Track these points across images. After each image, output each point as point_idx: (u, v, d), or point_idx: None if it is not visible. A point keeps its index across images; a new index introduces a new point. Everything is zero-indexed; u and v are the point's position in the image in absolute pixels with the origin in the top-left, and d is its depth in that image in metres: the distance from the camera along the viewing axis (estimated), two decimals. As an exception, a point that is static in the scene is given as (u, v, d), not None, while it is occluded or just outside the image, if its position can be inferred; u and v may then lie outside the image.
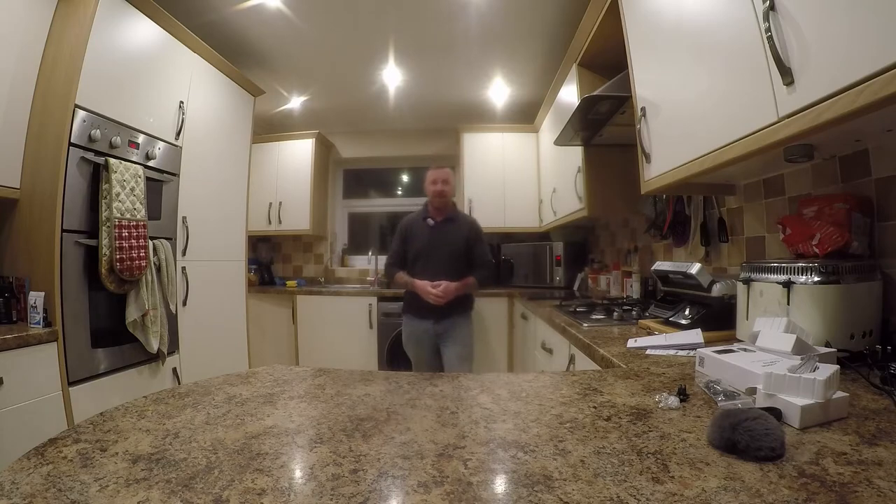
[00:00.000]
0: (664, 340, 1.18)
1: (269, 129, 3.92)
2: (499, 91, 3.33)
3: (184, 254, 2.19)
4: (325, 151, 3.98)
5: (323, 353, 3.33)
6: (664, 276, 1.54)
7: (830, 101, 0.69)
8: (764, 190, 1.39)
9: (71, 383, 1.57)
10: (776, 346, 0.81)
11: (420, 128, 3.98)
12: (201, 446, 0.58)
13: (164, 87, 2.05)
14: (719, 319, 1.27)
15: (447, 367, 2.25)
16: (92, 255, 1.68)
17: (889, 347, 0.84)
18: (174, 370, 2.09)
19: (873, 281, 0.96)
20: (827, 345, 0.89)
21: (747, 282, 1.09)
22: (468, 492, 0.46)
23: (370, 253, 3.97)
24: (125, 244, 1.74)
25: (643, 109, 1.43)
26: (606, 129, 2.02)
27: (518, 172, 3.51)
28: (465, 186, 3.52)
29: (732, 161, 0.98)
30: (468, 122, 3.65)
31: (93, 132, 1.66)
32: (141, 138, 1.90)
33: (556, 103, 2.77)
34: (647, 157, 1.43)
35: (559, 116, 2.61)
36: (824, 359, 0.76)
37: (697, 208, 1.82)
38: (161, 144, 2.01)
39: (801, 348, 0.78)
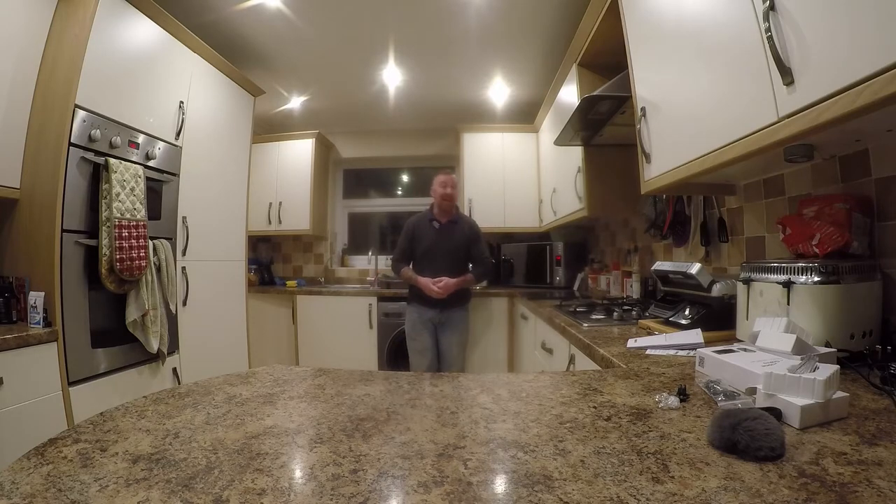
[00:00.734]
0: (664, 340, 1.18)
1: (269, 129, 3.92)
2: (499, 91, 3.33)
3: (184, 254, 2.19)
4: (325, 151, 3.98)
5: (323, 353, 3.33)
6: (664, 276, 1.54)
7: (830, 101, 0.69)
8: (764, 190, 1.39)
9: (71, 383, 1.57)
10: (776, 346, 0.81)
11: (420, 128, 3.98)
12: (201, 446, 0.58)
13: (164, 87, 2.05)
14: (719, 319, 1.27)
15: (444, 351, 2.59)
16: (92, 255, 1.68)
17: (889, 347, 0.84)
18: (174, 370, 2.09)
19: (873, 281, 0.96)
20: (827, 345, 0.89)
21: (747, 282, 1.09)
22: (468, 492, 0.46)
23: (370, 253, 3.97)
24: (125, 244, 1.74)
25: (643, 109, 1.43)
26: (606, 129, 2.02)
27: (518, 172, 3.51)
28: (465, 186, 3.52)
29: (732, 161, 0.98)
30: (468, 122, 3.65)
31: (93, 132, 1.66)
32: (141, 138, 1.90)
33: (556, 103, 2.77)
34: (647, 157, 1.43)
35: (559, 116, 2.61)
36: (824, 359, 0.76)
37: (697, 208, 1.82)
38: (161, 144, 2.01)
39: (801, 348, 0.78)
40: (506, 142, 3.56)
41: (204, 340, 2.32)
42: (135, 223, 1.79)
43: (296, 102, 3.52)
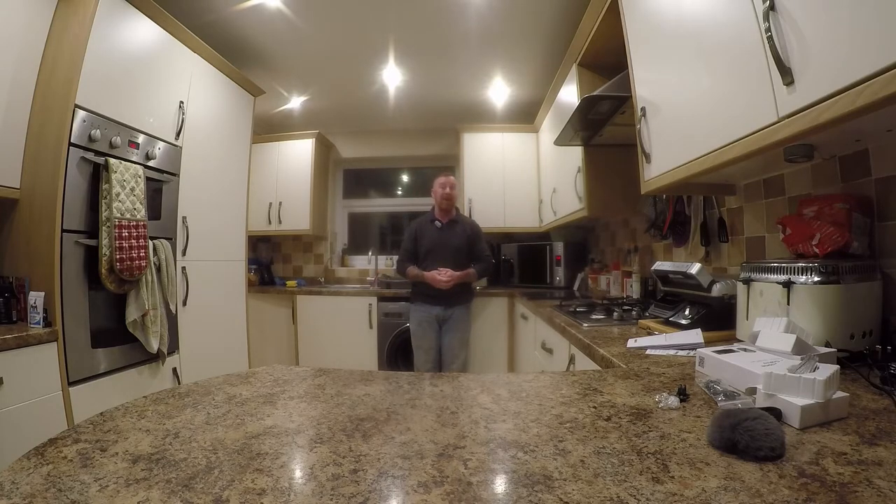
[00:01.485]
0: (664, 340, 1.18)
1: (269, 129, 3.92)
2: (499, 91, 3.33)
3: (184, 254, 2.19)
4: (325, 151, 3.98)
5: (323, 353, 3.33)
6: (664, 276, 1.54)
7: (830, 101, 0.69)
8: (764, 190, 1.39)
9: (71, 383, 1.57)
10: (776, 346, 0.81)
11: (420, 128, 3.97)
12: (201, 446, 0.58)
13: (164, 87, 2.05)
14: (719, 319, 1.27)
15: (447, 348, 2.68)
16: (92, 255, 1.68)
17: (889, 347, 0.84)
18: (174, 370, 2.09)
19: (873, 281, 0.96)
20: (827, 345, 0.89)
21: (747, 282, 1.09)
22: (468, 492, 0.46)
23: (370, 253, 3.97)
24: (125, 244, 1.74)
25: (643, 109, 1.43)
26: (606, 129, 2.02)
27: (518, 172, 3.51)
28: (465, 186, 3.51)
29: (732, 161, 0.98)
30: (468, 122, 3.65)
31: (93, 132, 1.66)
32: (141, 138, 1.90)
33: (556, 103, 2.77)
34: (647, 157, 1.43)
35: (559, 116, 2.61)
36: (824, 359, 0.76)
37: (697, 208, 1.82)
38: (161, 144, 2.01)
39: (801, 348, 0.78)
40: (506, 142, 3.56)
41: (204, 340, 2.32)
42: (135, 223, 1.79)
43: (296, 102, 3.52)
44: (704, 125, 1.09)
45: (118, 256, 1.71)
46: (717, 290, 1.29)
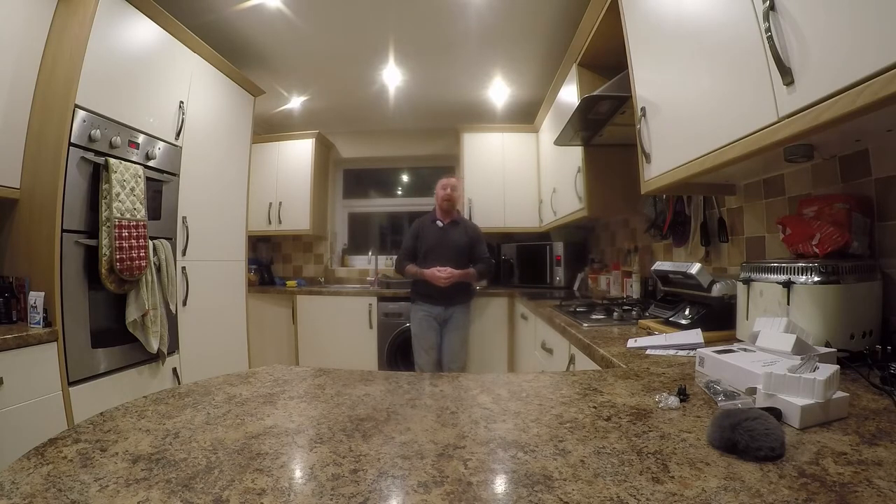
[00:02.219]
0: (664, 340, 1.18)
1: (269, 129, 3.92)
2: (499, 91, 3.33)
3: (184, 254, 2.19)
4: (325, 151, 3.98)
5: (323, 353, 3.33)
6: (664, 276, 1.54)
7: (830, 101, 0.69)
8: (764, 190, 1.39)
9: (71, 383, 1.57)
10: (776, 346, 0.81)
11: (420, 128, 3.97)
12: (201, 446, 0.58)
13: (164, 87, 2.05)
14: (719, 319, 1.27)
15: (447, 348, 2.70)
16: (92, 255, 1.68)
17: (889, 347, 0.84)
18: (174, 370, 2.09)
19: (873, 281, 0.96)
20: (827, 345, 0.89)
21: (747, 282, 1.09)
22: (468, 492, 0.46)
23: (370, 253, 3.97)
24: (125, 244, 1.74)
25: (643, 109, 1.43)
26: (606, 129, 2.02)
27: (518, 172, 3.51)
28: (465, 186, 3.51)
29: (732, 161, 0.98)
30: (468, 122, 3.64)
31: (93, 132, 1.66)
32: (141, 138, 1.90)
33: (556, 103, 2.77)
34: (647, 157, 1.43)
35: (559, 116, 2.61)
36: (824, 359, 0.76)
37: (697, 208, 1.82)
38: (161, 144, 2.01)
39: (801, 348, 0.78)
40: (506, 142, 3.56)
41: (204, 340, 2.32)
42: (135, 223, 1.79)
43: (296, 102, 3.52)
44: (704, 125, 1.09)
45: (118, 256, 1.71)
46: (717, 290, 1.29)
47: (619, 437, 0.60)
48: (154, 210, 1.98)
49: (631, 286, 2.31)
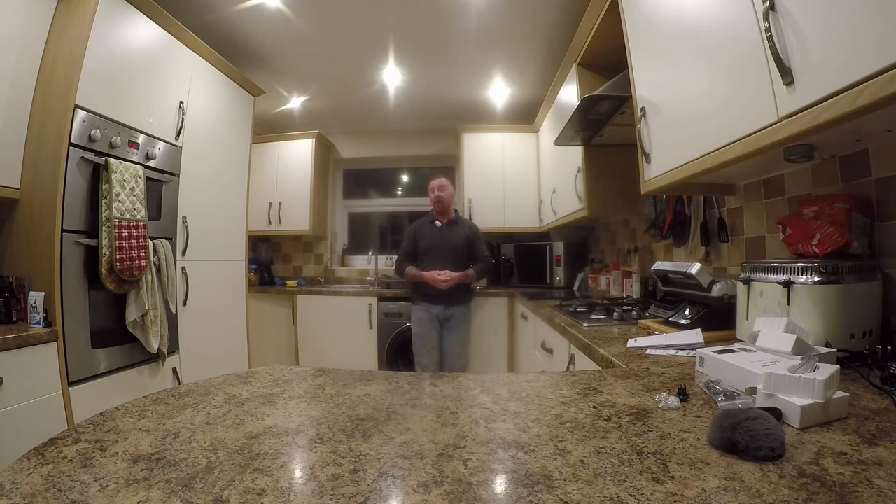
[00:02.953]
0: (664, 340, 1.18)
1: (269, 129, 3.92)
2: (499, 91, 3.33)
3: (184, 254, 2.19)
4: (325, 151, 3.98)
5: (323, 353, 3.33)
6: (664, 276, 1.54)
7: (830, 101, 0.69)
8: (764, 190, 1.39)
9: (71, 383, 1.57)
10: (776, 346, 0.81)
11: (420, 128, 3.97)
12: (201, 446, 0.58)
13: (164, 87, 2.05)
14: (719, 319, 1.27)
15: (448, 348, 2.69)
16: (92, 255, 1.68)
17: (889, 347, 0.84)
18: (174, 370, 2.09)
19: (873, 281, 0.96)
20: (827, 345, 0.89)
21: (747, 282, 1.09)
22: (468, 492, 0.46)
23: (370, 253, 3.97)
24: (125, 244, 1.74)
25: (643, 109, 1.43)
26: (606, 129, 2.02)
27: (518, 172, 3.51)
28: (465, 186, 3.52)
29: (732, 161, 0.98)
30: (468, 122, 3.64)
31: (93, 132, 1.66)
32: (141, 138, 1.90)
33: (556, 103, 2.77)
34: (647, 157, 1.43)
35: (559, 116, 2.61)
36: (824, 359, 0.76)
37: (697, 208, 1.82)
38: (161, 144, 2.01)
39: (801, 348, 0.78)
40: (506, 142, 3.56)
41: (204, 340, 2.32)
42: (135, 223, 1.79)
43: (296, 102, 3.52)
44: (704, 125, 1.09)
45: (118, 256, 1.71)
46: (717, 290, 1.29)
47: (619, 437, 0.60)
48: (154, 210, 1.98)
49: (631, 286, 2.31)
